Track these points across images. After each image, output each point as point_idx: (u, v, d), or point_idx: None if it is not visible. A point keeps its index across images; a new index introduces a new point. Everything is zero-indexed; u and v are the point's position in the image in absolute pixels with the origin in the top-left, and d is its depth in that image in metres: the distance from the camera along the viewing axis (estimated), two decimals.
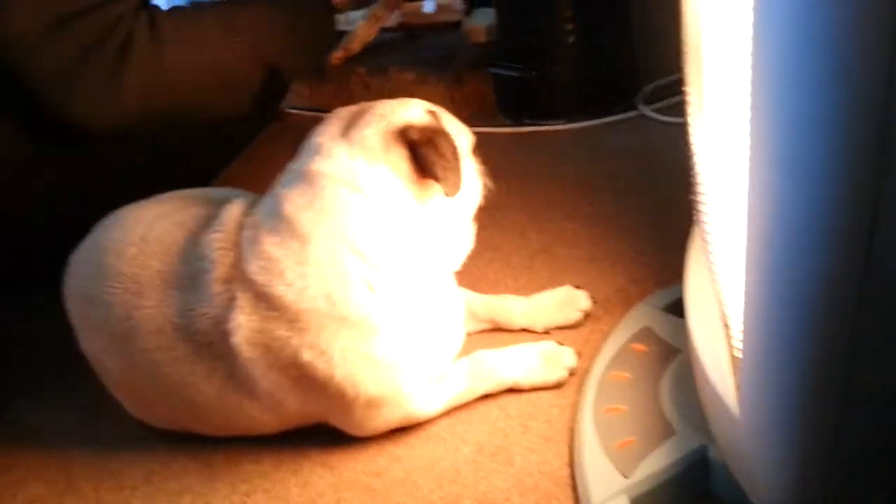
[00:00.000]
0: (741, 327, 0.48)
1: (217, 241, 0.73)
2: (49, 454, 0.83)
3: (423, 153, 0.72)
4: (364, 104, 0.78)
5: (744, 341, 0.48)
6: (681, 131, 1.33)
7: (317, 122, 0.78)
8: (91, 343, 0.79)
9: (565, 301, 0.90)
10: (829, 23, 0.35)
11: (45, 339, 0.93)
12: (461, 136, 0.80)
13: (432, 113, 0.77)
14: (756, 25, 0.38)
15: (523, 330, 0.89)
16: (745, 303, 0.46)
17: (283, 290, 0.69)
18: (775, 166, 0.41)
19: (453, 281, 0.81)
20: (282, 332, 0.70)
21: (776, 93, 0.39)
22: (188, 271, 0.74)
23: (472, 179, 0.80)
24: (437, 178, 0.72)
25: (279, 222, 0.71)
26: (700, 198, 0.68)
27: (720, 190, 0.60)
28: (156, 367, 0.74)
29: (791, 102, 0.38)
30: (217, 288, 0.71)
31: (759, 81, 0.39)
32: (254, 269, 0.70)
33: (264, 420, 0.76)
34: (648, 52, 1.44)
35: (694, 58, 0.63)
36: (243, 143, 1.32)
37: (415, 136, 0.72)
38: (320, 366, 0.70)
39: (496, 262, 1.04)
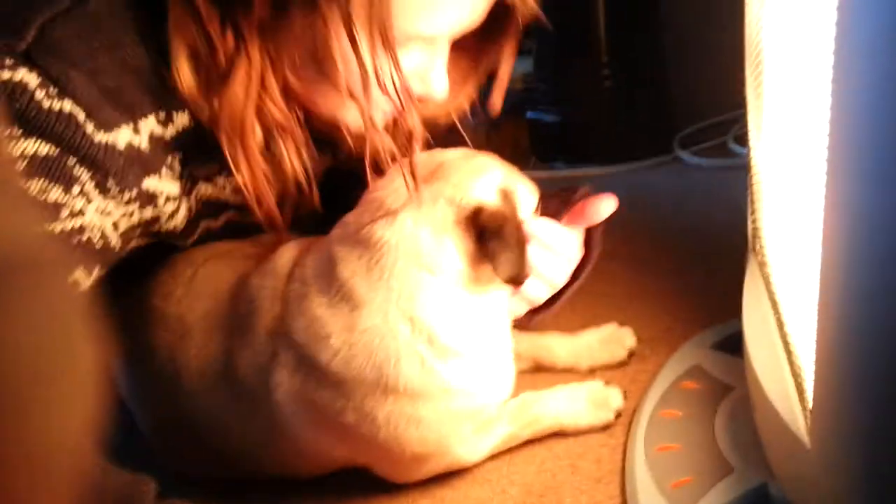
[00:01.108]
0: (813, 356, 0.46)
1: (266, 288, 0.71)
2: None
3: (489, 240, 0.67)
4: (435, 157, 0.72)
5: (816, 372, 0.46)
6: (716, 174, 1.33)
7: None
8: (130, 387, 0.79)
9: (610, 339, 0.88)
10: None
11: None
12: (528, 196, 0.74)
13: (505, 193, 0.69)
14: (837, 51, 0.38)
15: (567, 370, 0.87)
16: (818, 336, 0.45)
17: (328, 357, 0.67)
18: (855, 199, 0.39)
19: (508, 325, 0.77)
20: (324, 393, 0.68)
21: (860, 126, 0.38)
22: (234, 315, 0.72)
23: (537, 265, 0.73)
24: (494, 268, 0.66)
25: (331, 283, 0.68)
26: (761, 232, 0.67)
27: (786, 227, 0.59)
28: (198, 411, 0.73)
29: (878, 134, 0.37)
30: (261, 338, 0.70)
31: (840, 113, 0.38)
32: (298, 327, 0.68)
33: (304, 465, 0.75)
34: (685, 96, 1.45)
35: (757, 88, 0.63)
36: None
37: (485, 221, 0.67)
38: (364, 427, 0.68)
39: None
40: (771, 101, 0.63)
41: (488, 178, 0.69)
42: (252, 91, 0.65)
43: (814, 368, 0.46)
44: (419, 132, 0.70)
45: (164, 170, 0.68)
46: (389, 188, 0.70)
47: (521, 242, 0.67)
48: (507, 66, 0.75)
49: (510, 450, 0.77)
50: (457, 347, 0.69)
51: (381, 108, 0.70)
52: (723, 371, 0.75)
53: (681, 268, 1.05)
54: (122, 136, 0.63)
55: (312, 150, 0.73)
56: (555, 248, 0.70)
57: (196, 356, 0.73)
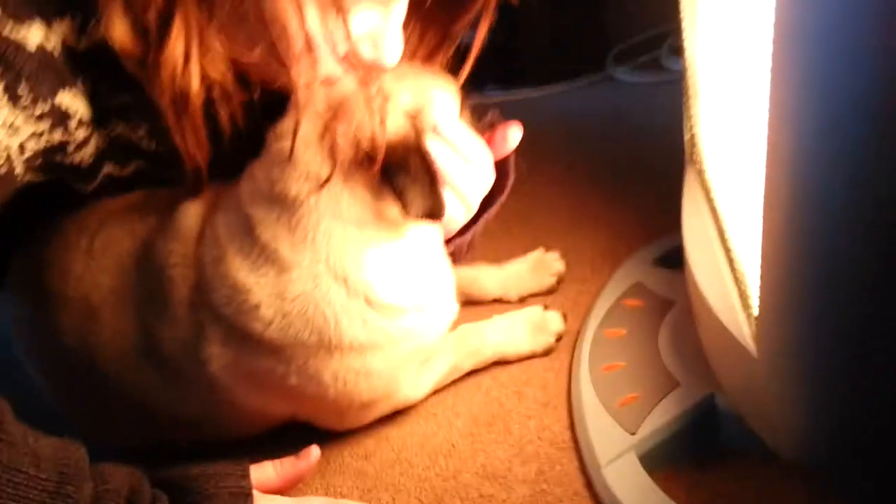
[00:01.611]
0: (758, 262, 0.44)
1: (174, 255, 0.65)
2: None
3: (395, 176, 0.60)
4: (335, 92, 0.63)
5: (761, 278, 0.44)
6: (650, 89, 1.31)
7: None
8: (44, 372, 0.72)
9: (537, 266, 0.86)
10: None
11: None
12: (449, 102, 0.68)
13: (413, 117, 0.63)
14: None
15: (497, 300, 0.84)
16: (763, 241, 0.43)
17: (261, 327, 0.62)
18: (801, 101, 0.37)
19: (444, 256, 0.73)
20: (263, 361, 0.64)
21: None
22: (144, 287, 0.66)
23: (452, 199, 0.65)
24: (403, 206, 0.61)
25: (251, 245, 0.62)
26: (698, 140, 0.65)
27: (725, 132, 0.57)
28: (122, 392, 0.68)
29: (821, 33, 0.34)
30: (181, 311, 0.64)
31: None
32: (220, 298, 0.62)
33: (244, 427, 0.71)
34: (617, 12, 1.42)
35: None
36: None
37: (387, 155, 0.60)
38: (310, 388, 0.65)
39: None
40: (707, 10, 0.59)
41: (393, 103, 0.62)
42: (192, 48, 0.58)
43: (759, 274, 0.45)
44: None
45: (79, 84, 0.60)
46: (291, 130, 0.62)
47: (430, 173, 0.61)
48: (478, 40, 0.69)
49: (454, 382, 0.75)
50: (398, 303, 0.65)
51: (324, 74, 0.62)
52: (664, 286, 0.74)
53: (619, 187, 1.03)
54: (34, 35, 0.55)
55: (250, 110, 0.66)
56: (470, 159, 0.65)
57: (111, 337, 0.67)
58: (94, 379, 0.68)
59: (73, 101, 0.60)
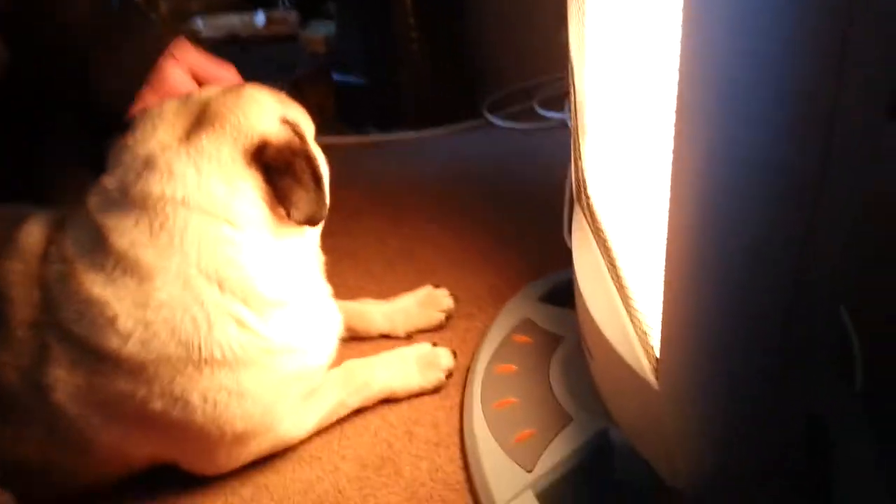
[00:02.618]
0: (657, 297, 0.45)
1: (14, 274, 0.59)
2: None
3: (279, 179, 0.60)
4: (194, 98, 0.64)
5: (663, 313, 0.45)
6: (525, 137, 1.36)
7: None
8: None
9: (426, 301, 0.85)
10: None
11: None
12: (307, 123, 0.69)
13: (287, 123, 0.63)
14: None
15: (384, 336, 0.83)
16: (666, 275, 0.44)
17: (118, 343, 0.56)
18: (702, 144, 0.38)
19: (323, 284, 0.72)
20: (120, 383, 0.58)
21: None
22: None
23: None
24: (289, 208, 0.60)
25: (105, 257, 0.57)
26: (586, 183, 0.67)
27: (618, 175, 0.59)
28: None
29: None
30: (21, 333, 0.58)
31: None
32: (69, 315, 0.57)
33: (99, 474, 0.64)
34: (492, 62, 1.46)
35: (580, 32, 0.62)
36: None
37: (271, 158, 0.60)
38: (175, 413, 0.59)
39: (356, 268, 0.98)
40: (596, 47, 0.62)
41: (266, 109, 0.62)
42: None
43: (661, 310, 0.46)
44: None
45: None
46: (151, 136, 0.60)
47: (316, 177, 0.61)
48: None
49: (340, 423, 0.71)
50: (277, 297, 0.62)
51: None
52: (552, 322, 0.75)
53: (499, 226, 1.05)
54: None
55: None
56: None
57: None
58: None
59: None
